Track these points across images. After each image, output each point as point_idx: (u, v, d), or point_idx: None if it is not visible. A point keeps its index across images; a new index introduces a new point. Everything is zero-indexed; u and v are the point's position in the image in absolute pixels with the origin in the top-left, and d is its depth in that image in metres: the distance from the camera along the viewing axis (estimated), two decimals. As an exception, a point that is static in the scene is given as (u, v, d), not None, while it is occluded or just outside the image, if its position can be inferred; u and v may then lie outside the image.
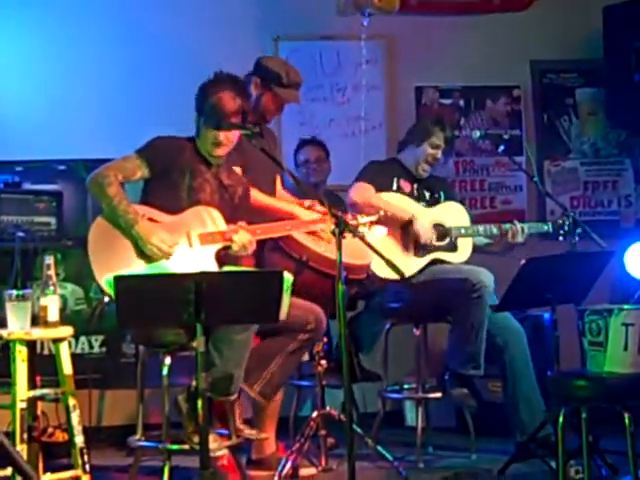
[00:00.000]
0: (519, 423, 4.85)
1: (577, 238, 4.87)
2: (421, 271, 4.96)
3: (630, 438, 3.83)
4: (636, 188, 6.43)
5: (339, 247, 3.66)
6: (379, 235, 4.52)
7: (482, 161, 6.32)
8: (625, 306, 4.06)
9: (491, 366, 5.04)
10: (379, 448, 4.46)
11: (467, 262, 5.04)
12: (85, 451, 4.02)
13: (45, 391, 4.13)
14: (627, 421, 3.83)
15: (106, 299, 4.04)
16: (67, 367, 4.03)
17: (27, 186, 5.19)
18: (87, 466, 4.01)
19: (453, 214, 5.13)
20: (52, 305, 3.97)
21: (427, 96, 6.25)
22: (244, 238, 4.15)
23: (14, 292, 3.90)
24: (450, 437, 5.38)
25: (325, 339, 4.63)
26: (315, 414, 4.53)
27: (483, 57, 6.20)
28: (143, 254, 4.05)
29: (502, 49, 6.23)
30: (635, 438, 3.84)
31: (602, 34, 6.05)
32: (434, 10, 6.22)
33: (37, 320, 3.97)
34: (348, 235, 3.83)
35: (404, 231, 4.98)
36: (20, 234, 4.78)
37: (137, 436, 4.21)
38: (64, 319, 4.12)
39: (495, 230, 5.05)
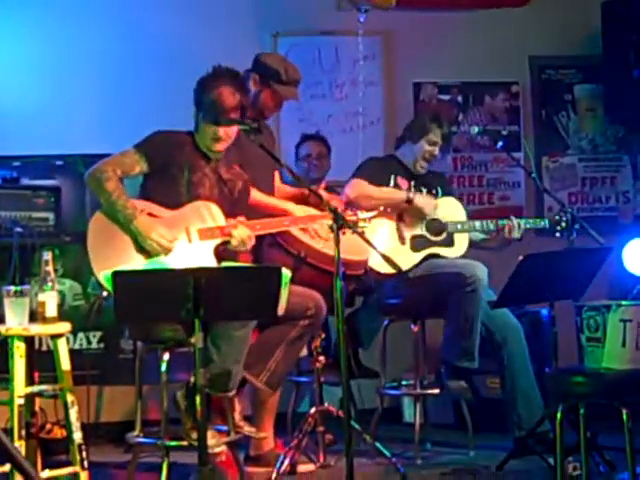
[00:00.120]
0: (517, 419, 4.86)
1: (575, 234, 4.87)
2: (417, 265, 4.97)
3: (628, 434, 3.83)
4: (634, 184, 6.44)
5: (337, 243, 3.66)
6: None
7: (480, 157, 6.32)
8: (623, 302, 4.06)
9: (489, 362, 5.05)
10: (377, 444, 4.46)
11: (463, 257, 5.04)
12: (83, 447, 4.01)
13: (43, 387, 4.12)
14: (625, 417, 3.82)
15: (105, 293, 4.03)
16: (65, 363, 4.02)
17: (25, 181, 5.18)
18: (85, 462, 4.01)
19: (450, 210, 5.13)
20: (50, 301, 3.97)
21: (425, 92, 6.25)
22: (243, 233, 4.14)
23: (12, 288, 3.89)
24: (448, 433, 5.38)
25: (323, 335, 4.64)
26: (313, 410, 4.53)
27: (481, 53, 6.20)
28: (142, 249, 4.05)
29: (500, 45, 6.23)
30: (633, 434, 3.84)
31: (601, 30, 6.06)
32: (432, 5, 6.22)
33: (35, 316, 3.97)
34: (347, 231, 3.84)
35: (405, 215, 4.98)
36: (18, 230, 4.77)
37: (135, 432, 4.21)
38: (62, 315, 4.11)
39: (492, 225, 5.05)
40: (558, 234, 5.02)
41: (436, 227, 5.05)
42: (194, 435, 3.91)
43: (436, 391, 4.99)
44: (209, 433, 3.79)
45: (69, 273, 5.32)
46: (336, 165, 5.73)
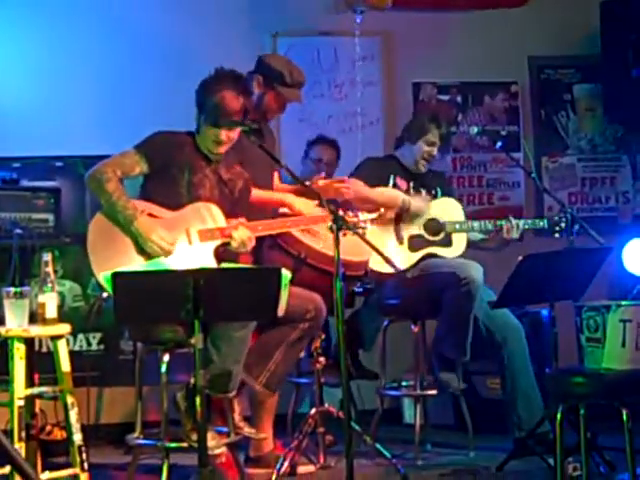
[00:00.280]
0: (517, 419, 4.86)
1: (574, 234, 4.86)
2: (415, 265, 4.97)
3: (628, 434, 3.83)
4: (634, 184, 6.43)
5: (337, 244, 3.66)
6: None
7: (480, 157, 6.32)
8: (623, 302, 4.05)
9: (490, 363, 5.06)
10: (377, 445, 4.46)
11: (462, 257, 5.04)
12: (83, 449, 4.01)
13: (43, 389, 4.12)
14: (625, 417, 3.82)
15: (105, 295, 4.03)
16: (65, 364, 4.02)
17: (25, 183, 5.17)
18: (85, 464, 4.00)
19: (448, 210, 5.13)
20: (50, 302, 3.97)
21: (425, 92, 6.25)
22: (243, 235, 4.14)
23: (12, 289, 3.89)
24: (448, 434, 5.38)
25: (323, 336, 4.64)
26: (313, 411, 4.52)
27: (481, 53, 6.20)
28: (142, 251, 4.04)
29: (500, 45, 6.23)
30: (633, 434, 3.84)
31: (600, 30, 6.06)
32: (428, 6, 6.22)
33: (35, 317, 3.96)
34: (348, 232, 3.84)
35: (403, 215, 4.98)
36: (18, 231, 4.76)
37: (135, 434, 4.21)
38: (62, 316, 4.11)
39: (490, 226, 5.05)
40: (557, 234, 5.02)
41: (434, 227, 5.05)
42: (194, 436, 3.91)
43: (436, 392, 4.99)
44: (209, 434, 3.78)
45: (69, 274, 5.32)
46: (335, 165, 5.74)
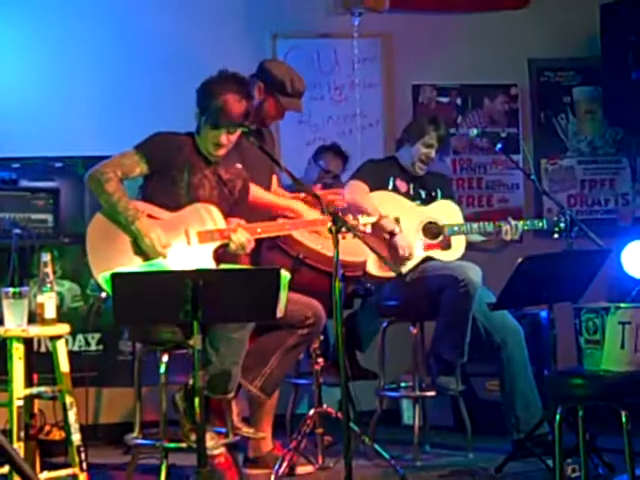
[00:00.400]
0: (516, 421, 4.86)
1: (573, 236, 4.86)
2: (414, 269, 4.97)
3: (627, 436, 3.82)
4: (633, 186, 6.44)
5: (336, 245, 3.66)
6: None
7: (479, 159, 6.32)
8: (622, 304, 4.05)
9: (488, 364, 5.05)
10: (376, 446, 4.46)
11: (461, 260, 5.04)
12: (82, 449, 4.01)
13: (42, 389, 4.12)
14: (624, 419, 3.81)
15: (104, 295, 4.02)
16: (64, 365, 4.02)
17: (24, 183, 5.16)
18: (84, 464, 4.01)
19: (447, 212, 5.13)
20: (49, 302, 3.97)
21: (424, 94, 6.25)
22: (242, 237, 4.14)
23: (11, 289, 3.89)
24: (447, 435, 5.39)
25: (322, 337, 4.64)
26: (312, 412, 4.53)
27: (480, 55, 6.20)
28: (141, 251, 4.05)
29: (499, 47, 6.23)
30: (632, 436, 3.83)
31: (599, 32, 6.06)
32: (427, 8, 6.22)
33: (34, 317, 3.97)
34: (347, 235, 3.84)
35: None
36: (17, 231, 4.76)
37: (134, 434, 4.20)
38: (61, 316, 4.12)
39: (489, 227, 5.05)
40: (556, 235, 5.01)
41: (433, 230, 5.05)
42: (193, 437, 3.90)
43: (434, 393, 4.99)
44: (208, 435, 3.78)
45: (68, 275, 5.32)
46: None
